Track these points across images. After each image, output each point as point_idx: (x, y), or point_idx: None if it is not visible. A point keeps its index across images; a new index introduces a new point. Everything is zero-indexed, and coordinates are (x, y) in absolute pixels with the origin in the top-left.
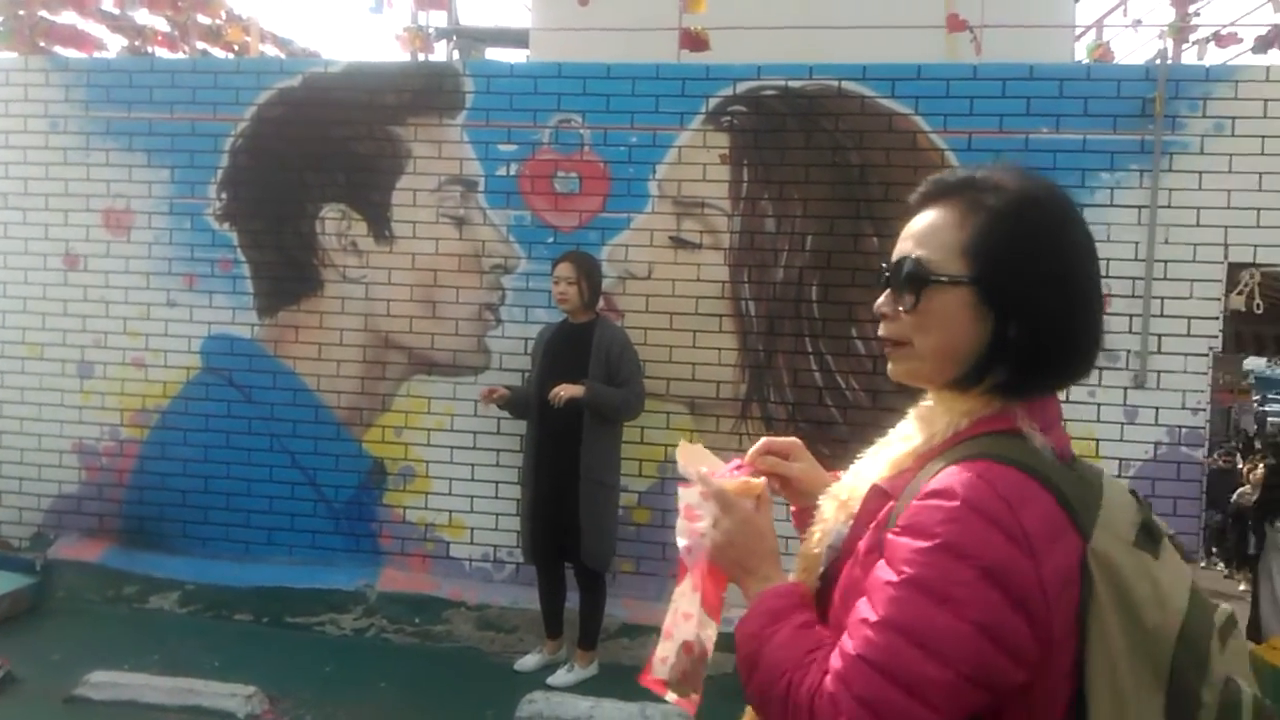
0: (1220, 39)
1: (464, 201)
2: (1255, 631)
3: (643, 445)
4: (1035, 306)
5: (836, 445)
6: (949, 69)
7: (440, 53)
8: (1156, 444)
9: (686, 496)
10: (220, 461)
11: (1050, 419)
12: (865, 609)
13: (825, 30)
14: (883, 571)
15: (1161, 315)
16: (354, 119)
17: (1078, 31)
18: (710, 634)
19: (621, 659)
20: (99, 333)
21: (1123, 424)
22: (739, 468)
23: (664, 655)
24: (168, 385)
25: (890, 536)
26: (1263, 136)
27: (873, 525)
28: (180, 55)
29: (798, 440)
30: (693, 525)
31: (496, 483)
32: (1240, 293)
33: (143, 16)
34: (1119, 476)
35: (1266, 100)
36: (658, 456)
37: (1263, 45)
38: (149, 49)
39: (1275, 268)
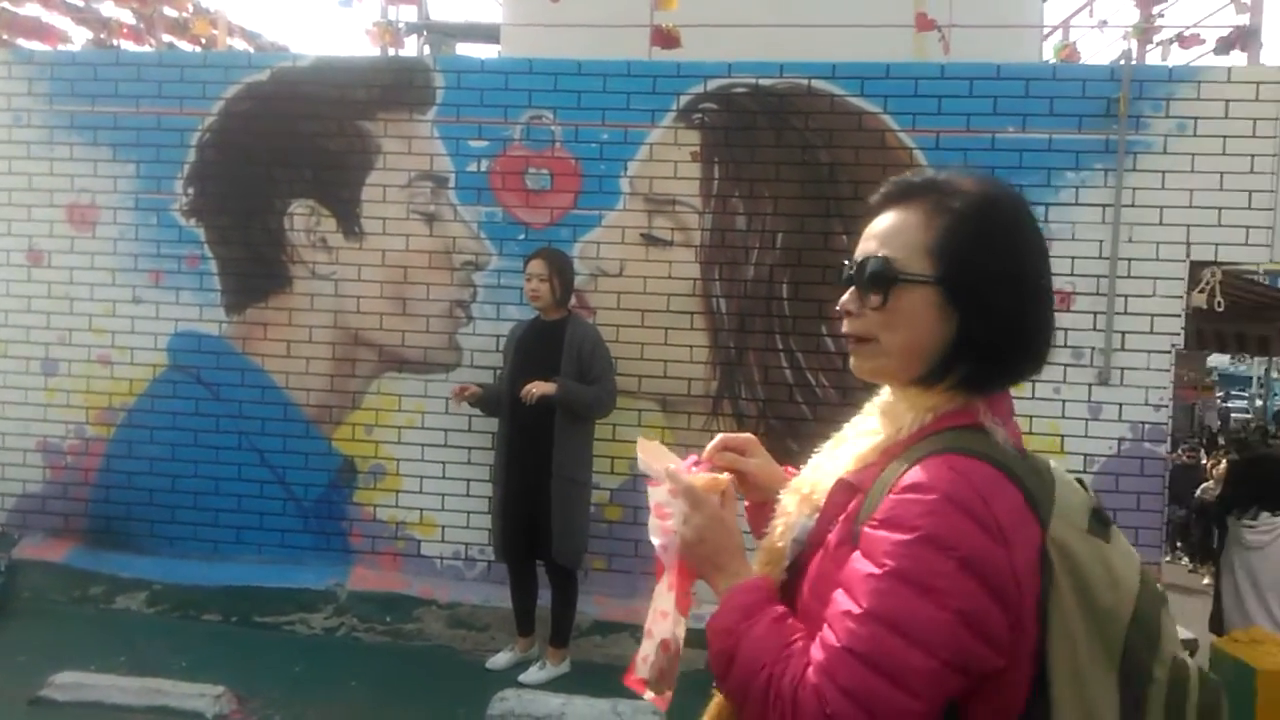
0: (1183, 40)
1: (434, 198)
2: (1217, 625)
3: (614, 442)
4: (998, 305)
5: (806, 441)
6: (917, 68)
7: (411, 48)
8: (1120, 440)
9: (656, 495)
10: (188, 460)
11: (1006, 413)
12: (846, 601)
13: (795, 29)
14: (862, 564)
15: (1125, 313)
16: (323, 114)
17: (1045, 31)
18: (681, 630)
19: (593, 656)
20: (63, 330)
21: (1087, 420)
22: (697, 464)
23: (645, 654)
24: (134, 383)
25: (867, 530)
26: (1224, 136)
27: (842, 518)
28: (146, 48)
29: (753, 436)
30: (664, 523)
31: (468, 480)
32: (1202, 291)
33: (108, 9)
34: (1083, 472)
35: (1228, 101)
36: (629, 454)
37: (1224, 47)
38: (114, 42)
39: (1236, 266)
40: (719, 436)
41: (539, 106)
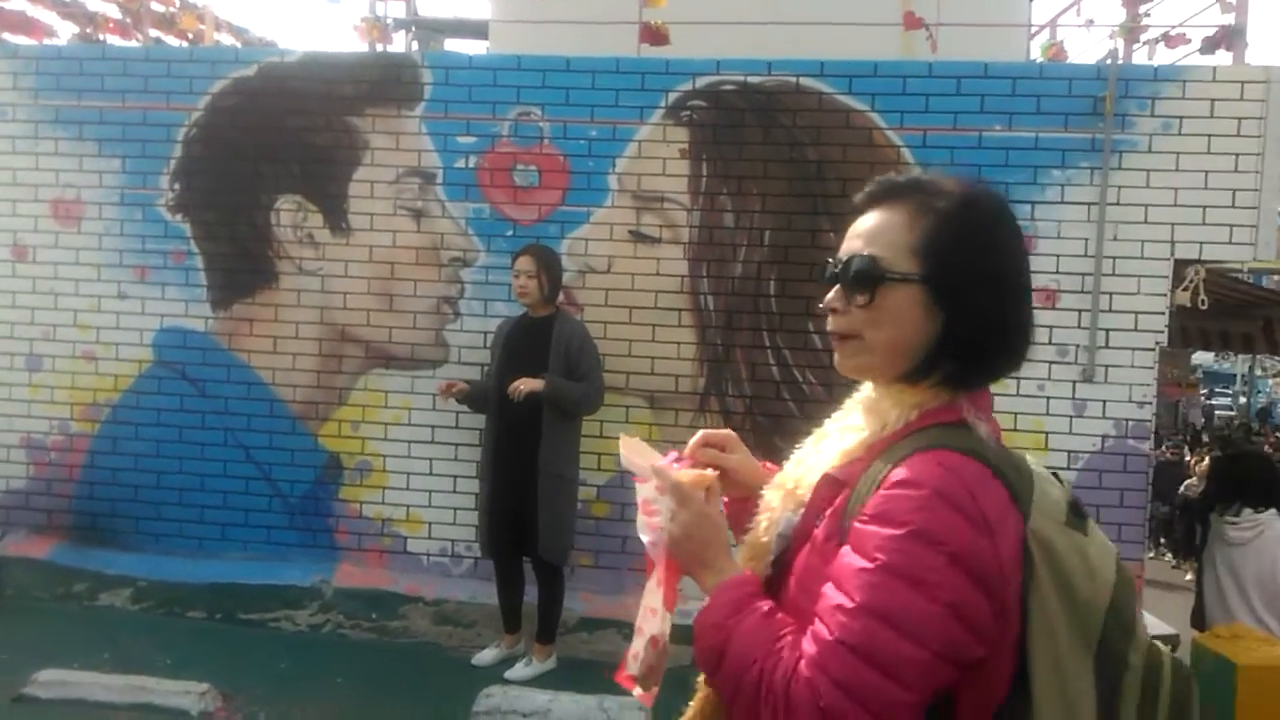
0: (1169, 40)
1: (422, 194)
2: (1199, 620)
3: (601, 439)
4: (982, 303)
5: (793, 438)
6: (905, 66)
7: (399, 43)
8: (1104, 436)
9: (643, 491)
10: (173, 456)
11: (986, 408)
12: (837, 595)
13: (784, 26)
14: (853, 559)
15: (1110, 310)
16: (310, 109)
17: (1033, 30)
18: (668, 627)
19: (580, 653)
20: (48, 325)
21: (1071, 417)
22: (678, 460)
23: (635, 651)
24: (119, 379)
25: (858, 525)
26: (1209, 135)
27: (829, 513)
28: (133, 43)
29: (733, 433)
30: (651, 520)
31: (455, 477)
32: (1186, 289)
33: (94, 3)
34: (1067, 468)
35: (1213, 100)
36: (616, 450)
37: (1210, 46)
38: (100, 36)
39: (1220, 264)
40: (700, 433)
41: (527, 103)
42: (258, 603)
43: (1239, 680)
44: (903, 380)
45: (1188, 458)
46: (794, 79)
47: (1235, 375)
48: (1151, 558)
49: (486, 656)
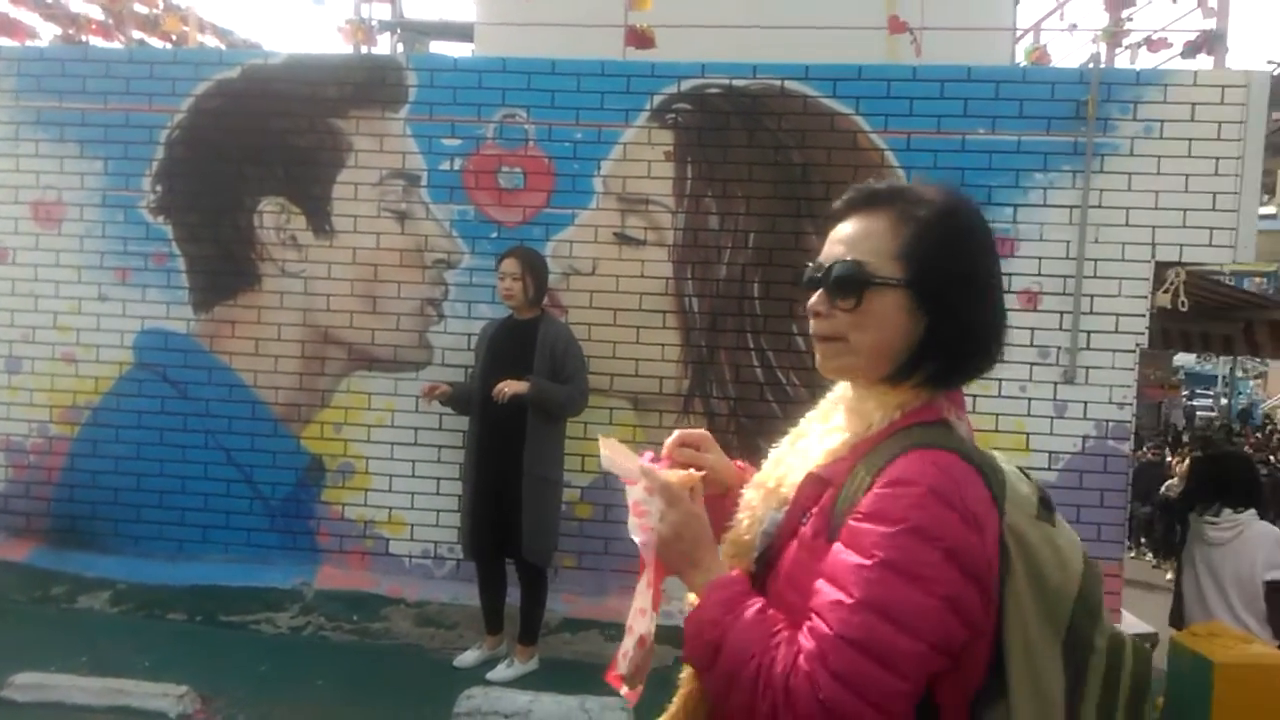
0: (1151, 44)
1: (406, 196)
2: (1178, 619)
3: (585, 441)
4: (962, 307)
5: (777, 439)
6: (889, 70)
7: (383, 45)
8: (1085, 437)
9: (633, 493)
10: (153, 459)
11: (962, 405)
12: (835, 591)
13: (769, 30)
14: (849, 556)
15: (1091, 312)
16: (295, 111)
17: (1017, 34)
18: (653, 627)
19: (562, 654)
20: (27, 327)
21: (1052, 418)
22: (655, 460)
23: (625, 650)
24: (99, 381)
25: (852, 523)
26: (1190, 139)
27: (816, 510)
28: (116, 44)
29: (707, 432)
30: (643, 521)
31: (438, 479)
32: (1166, 291)
33: (77, 4)
34: (1048, 469)
35: (1194, 104)
36: (600, 452)
37: (1191, 50)
38: (83, 38)
39: (1201, 267)
40: (676, 432)
41: (512, 105)
42: (238, 605)
43: (1216, 678)
44: (886, 381)
45: (1169, 458)
46: (779, 82)
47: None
48: (1132, 557)
49: (468, 658)
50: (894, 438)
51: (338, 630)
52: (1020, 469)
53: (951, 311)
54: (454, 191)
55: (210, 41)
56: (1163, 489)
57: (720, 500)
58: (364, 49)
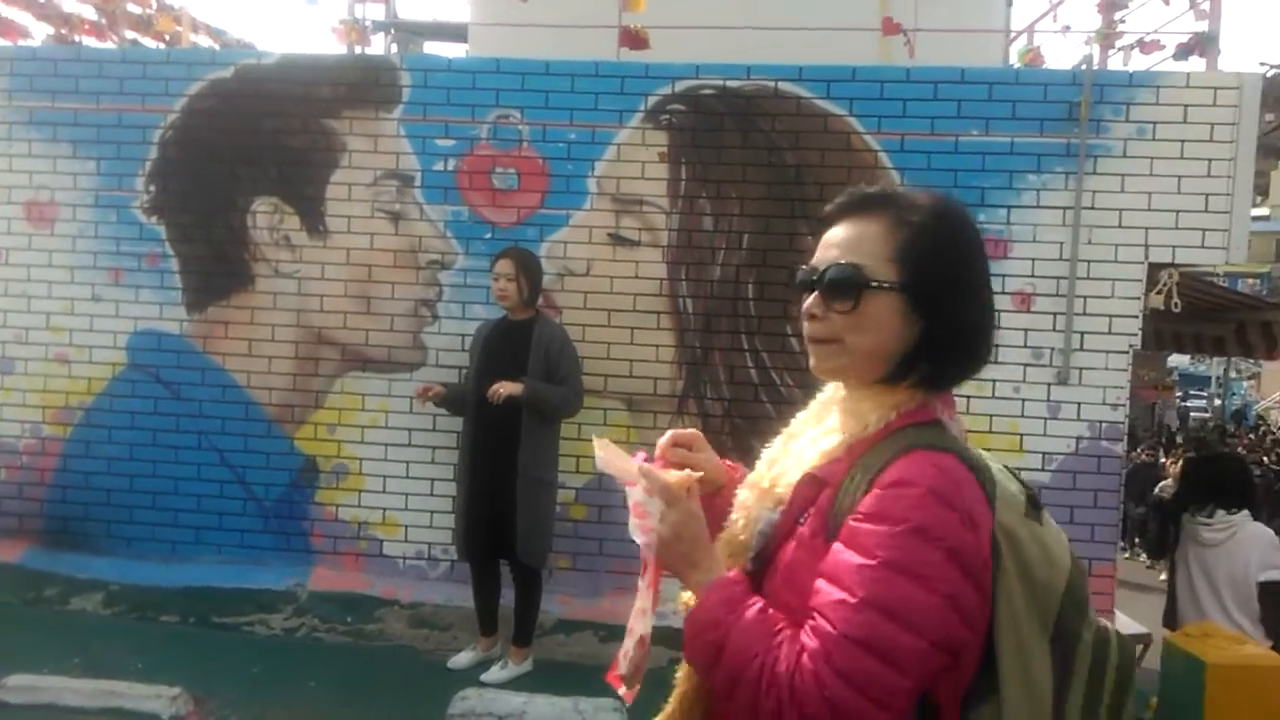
0: (1144, 46)
1: (400, 196)
2: (1171, 619)
3: (580, 442)
4: (955, 309)
5: (770, 440)
6: (883, 71)
7: (377, 46)
8: (1078, 438)
9: (633, 494)
10: (146, 460)
11: (953, 406)
12: (837, 591)
13: (763, 31)
14: (850, 556)
15: (1084, 314)
16: (288, 112)
17: (1011, 36)
18: (650, 626)
19: (556, 655)
20: (20, 328)
21: (1046, 419)
22: (648, 461)
23: (626, 650)
24: (92, 382)
25: (853, 523)
26: (1182, 141)
27: (813, 510)
28: (109, 44)
29: (699, 432)
30: (643, 522)
31: (431, 480)
32: (1159, 292)
33: (70, 4)
34: (1042, 470)
35: (1186, 105)
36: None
37: (1184, 52)
38: (76, 37)
39: (1193, 268)
40: (669, 433)
41: (506, 106)
42: (232, 606)
43: (1208, 679)
44: (879, 383)
45: (1163, 459)
46: (773, 83)
47: (1210, 378)
48: (1126, 558)
49: (462, 659)
50: (890, 439)
51: (331, 632)
52: (1008, 468)
53: (945, 314)
54: (448, 192)
55: (204, 41)
56: (1156, 490)
57: (712, 500)
58: (358, 49)
